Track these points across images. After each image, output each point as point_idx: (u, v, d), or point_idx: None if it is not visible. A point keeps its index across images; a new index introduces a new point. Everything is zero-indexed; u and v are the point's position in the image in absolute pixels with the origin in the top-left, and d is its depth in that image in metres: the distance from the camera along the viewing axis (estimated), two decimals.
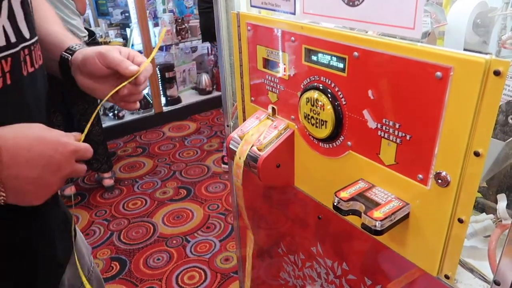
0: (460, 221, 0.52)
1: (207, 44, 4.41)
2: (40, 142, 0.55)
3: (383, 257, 0.70)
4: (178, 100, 3.98)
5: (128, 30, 3.65)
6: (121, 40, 3.61)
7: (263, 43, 0.76)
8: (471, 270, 0.58)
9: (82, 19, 2.58)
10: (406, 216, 0.58)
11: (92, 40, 2.50)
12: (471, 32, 0.82)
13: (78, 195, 2.74)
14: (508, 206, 0.58)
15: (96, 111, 0.73)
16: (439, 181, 0.52)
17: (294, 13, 0.66)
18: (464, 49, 0.64)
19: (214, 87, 4.26)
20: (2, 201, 0.53)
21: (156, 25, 3.86)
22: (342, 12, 0.58)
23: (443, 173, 0.51)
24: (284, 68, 0.72)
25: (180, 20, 3.92)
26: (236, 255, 2.13)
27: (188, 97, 4.14)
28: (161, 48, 4.07)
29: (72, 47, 0.72)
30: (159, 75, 3.75)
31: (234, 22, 0.81)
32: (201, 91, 4.18)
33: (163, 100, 3.87)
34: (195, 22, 4.04)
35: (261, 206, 1.04)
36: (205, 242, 2.25)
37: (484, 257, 0.59)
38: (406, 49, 0.51)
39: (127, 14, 3.69)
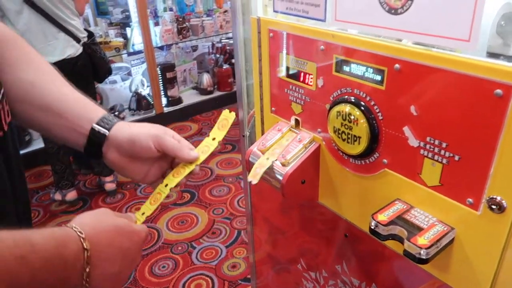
0: None
1: (208, 43, 4.35)
2: (118, 233, 0.51)
3: (418, 279, 0.66)
4: (179, 100, 3.92)
5: (128, 29, 3.59)
6: (121, 39, 3.54)
7: (287, 51, 0.71)
8: None
9: (82, 19, 2.52)
10: (451, 241, 0.54)
11: (91, 41, 2.44)
12: (494, 34, 0.78)
13: (80, 200, 2.68)
14: None
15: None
16: (493, 206, 0.48)
17: (324, 20, 0.61)
18: (487, 52, 0.60)
19: (215, 87, 4.20)
20: None
21: (156, 24, 3.79)
22: (381, 20, 0.53)
23: (498, 198, 0.47)
24: (311, 78, 0.67)
25: (181, 19, 3.85)
26: (244, 262, 2.08)
27: (189, 97, 4.08)
28: (161, 48, 4.01)
29: (106, 119, 0.62)
30: (160, 75, 3.69)
31: (254, 28, 0.76)
32: (202, 91, 4.12)
33: (164, 100, 3.81)
34: (195, 21, 3.98)
35: (280, 219, 0.99)
36: (211, 248, 2.20)
37: None
38: (460, 63, 0.46)
39: (127, 13, 3.62)
